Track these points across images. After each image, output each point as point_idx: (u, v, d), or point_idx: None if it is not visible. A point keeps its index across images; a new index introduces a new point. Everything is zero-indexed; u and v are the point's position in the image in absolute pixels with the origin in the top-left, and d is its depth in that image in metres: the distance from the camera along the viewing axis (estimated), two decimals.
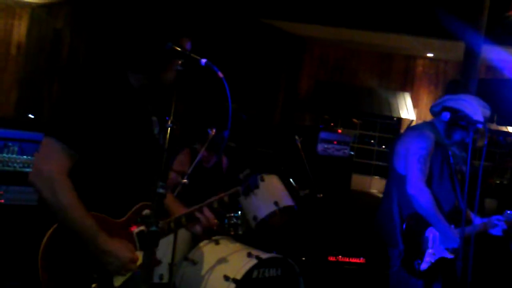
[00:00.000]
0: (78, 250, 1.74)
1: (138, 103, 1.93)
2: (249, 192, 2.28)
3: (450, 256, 2.90)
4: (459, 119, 2.87)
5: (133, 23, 1.89)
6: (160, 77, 1.91)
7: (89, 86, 1.80)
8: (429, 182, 2.91)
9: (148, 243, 1.55)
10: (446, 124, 2.95)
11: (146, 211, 1.90)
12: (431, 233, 2.89)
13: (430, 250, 2.88)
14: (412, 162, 2.86)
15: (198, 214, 2.02)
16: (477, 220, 3.10)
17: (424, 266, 2.86)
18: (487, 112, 2.94)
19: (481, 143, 3.17)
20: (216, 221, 2.11)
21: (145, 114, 1.96)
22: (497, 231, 3.02)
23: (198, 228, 2.05)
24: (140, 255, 1.85)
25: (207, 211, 2.05)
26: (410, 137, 2.98)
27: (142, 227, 1.88)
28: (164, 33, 1.84)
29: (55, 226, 1.73)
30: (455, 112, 2.87)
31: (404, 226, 2.90)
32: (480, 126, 2.80)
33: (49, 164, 1.71)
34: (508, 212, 3.04)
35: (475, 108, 2.88)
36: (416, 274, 2.86)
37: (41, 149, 1.76)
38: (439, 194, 2.93)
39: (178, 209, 2.07)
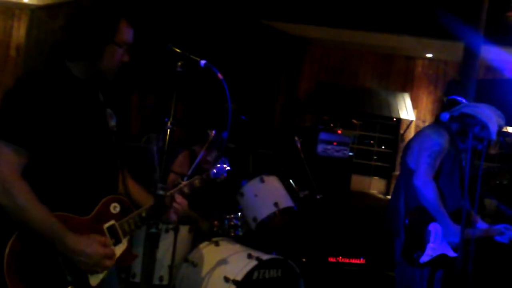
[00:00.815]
0: (46, 253, 1.66)
1: (87, 95, 1.85)
2: (219, 175, 2.26)
3: (452, 254, 2.96)
4: (471, 126, 2.96)
5: (75, 10, 1.82)
6: (97, 65, 1.82)
7: (30, 83, 1.73)
8: (436, 178, 2.99)
9: (149, 245, 1.54)
10: (460, 128, 3.06)
11: (114, 205, 1.83)
12: (433, 228, 2.96)
13: (431, 244, 2.94)
14: (423, 156, 2.98)
15: (168, 201, 1.95)
16: (482, 225, 3.15)
17: (424, 258, 2.92)
18: (502, 122, 3.03)
19: (493, 151, 3.25)
20: (185, 203, 2.03)
21: (98, 106, 1.89)
22: (504, 239, 3.08)
23: (173, 216, 1.98)
24: (116, 250, 1.79)
25: (178, 197, 2.00)
26: (425, 133, 3.10)
27: (112, 222, 1.82)
28: (98, 14, 1.78)
29: (15, 235, 1.63)
30: (471, 119, 2.97)
31: (407, 218, 2.97)
32: (493, 137, 2.91)
33: (0, 166, 1.62)
34: None
35: (490, 117, 2.97)
36: (415, 265, 2.92)
37: None
38: (445, 191, 3.00)
39: (147, 200, 1.96)
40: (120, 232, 1.83)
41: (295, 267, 3.23)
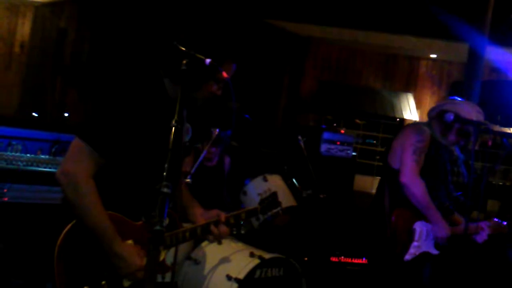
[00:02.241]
0: (93, 247, 1.80)
1: (173, 111, 1.91)
2: (266, 212, 2.33)
3: (434, 252, 2.98)
4: (464, 123, 2.97)
5: (183, 37, 1.88)
6: (194, 94, 1.92)
7: (128, 94, 1.82)
8: (422, 175, 2.99)
9: (153, 242, 1.56)
10: (443, 125, 3.05)
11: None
12: (418, 227, 2.95)
13: (415, 243, 2.93)
14: (408, 153, 2.98)
15: (213, 228, 2.09)
16: (463, 224, 3.16)
17: (407, 257, 2.91)
18: (481, 118, 3.05)
19: (472, 145, 3.22)
20: (228, 232, 2.17)
21: (179, 122, 1.96)
22: (479, 238, 3.09)
23: (210, 238, 2.14)
24: None
25: (222, 226, 2.12)
26: (407, 131, 3.11)
27: None
28: (212, 54, 1.83)
29: (73, 223, 1.79)
30: (451, 114, 2.98)
31: (393, 217, 2.96)
32: (471, 128, 2.92)
33: (76, 166, 1.77)
34: (495, 220, 3.11)
35: (469, 113, 3.01)
36: (398, 263, 2.93)
37: (71, 150, 1.80)
38: (427, 188, 2.99)
39: (196, 216, 2.13)
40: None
41: (297, 266, 3.24)
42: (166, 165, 1.72)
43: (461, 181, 3.87)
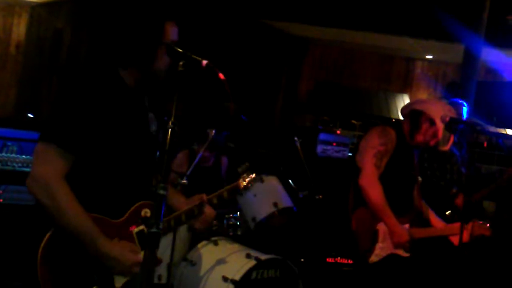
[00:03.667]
0: (78, 252, 1.73)
1: (134, 101, 1.91)
2: (250, 187, 2.28)
3: (404, 254, 2.93)
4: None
5: (118, 16, 1.87)
6: (152, 68, 1.88)
7: (82, 89, 1.78)
8: (383, 178, 2.95)
9: (149, 244, 1.55)
10: (410, 125, 3.01)
11: (145, 211, 1.89)
12: (381, 227, 2.92)
13: (379, 244, 2.91)
14: (368, 156, 2.95)
15: (197, 211, 2.02)
16: (439, 224, 3.15)
17: (373, 259, 2.88)
18: (452, 116, 3.00)
19: (443, 147, 3.23)
20: (214, 213, 2.10)
21: (142, 112, 1.95)
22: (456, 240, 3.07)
23: (198, 224, 2.07)
24: (142, 254, 1.84)
25: (207, 207, 2.06)
26: (372, 133, 3.07)
27: (141, 227, 1.88)
28: (147, 19, 1.83)
29: (51, 231, 1.71)
30: (419, 114, 2.97)
31: (353, 219, 2.96)
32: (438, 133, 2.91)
33: (44, 169, 1.69)
34: (478, 221, 3.06)
35: (438, 112, 2.97)
36: (365, 265, 2.90)
37: (37, 154, 1.74)
38: (390, 190, 2.96)
39: (179, 203, 2.06)
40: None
41: (293, 267, 3.24)
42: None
43: (456, 178, 3.89)
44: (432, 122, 2.95)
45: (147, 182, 1.98)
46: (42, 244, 1.69)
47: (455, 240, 3.07)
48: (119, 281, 1.82)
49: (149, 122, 1.97)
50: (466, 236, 2.93)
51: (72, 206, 1.70)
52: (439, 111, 2.97)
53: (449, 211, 3.60)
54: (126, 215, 1.86)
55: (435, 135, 2.98)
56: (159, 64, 1.88)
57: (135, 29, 1.83)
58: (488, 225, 3.03)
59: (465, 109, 3.96)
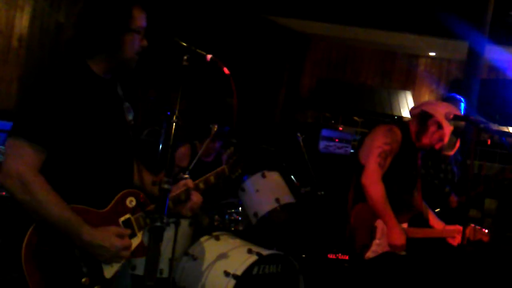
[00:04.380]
0: (63, 245, 1.70)
1: (105, 91, 1.86)
2: (235, 170, 2.25)
3: (400, 252, 2.91)
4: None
5: (84, 4, 1.82)
6: (120, 56, 1.83)
7: (48, 81, 1.74)
8: (386, 178, 2.94)
9: (154, 238, 1.54)
10: (418, 127, 3.01)
11: (130, 199, 1.86)
12: (380, 224, 2.92)
13: (377, 240, 2.91)
14: (372, 154, 2.92)
15: (184, 197, 2.00)
16: (438, 225, 3.14)
17: (370, 255, 2.88)
18: (453, 113, 2.98)
19: (448, 151, 3.23)
20: (200, 199, 2.07)
21: (116, 101, 1.91)
22: (454, 242, 3.07)
23: (185, 211, 2.03)
24: (132, 242, 1.83)
25: (194, 193, 2.03)
26: (378, 131, 3.04)
27: (128, 215, 1.86)
28: (112, 4, 1.78)
29: (32, 227, 1.67)
30: (428, 116, 2.95)
31: (351, 216, 2.96)
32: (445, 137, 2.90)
33: (18, 163, 1.65)
34: (475, 226, 3.06)
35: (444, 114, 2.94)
36: (360, 261, 2.89)
37: (7, 150, 1.69)
38: (391, 189, 2.95)
39: None
40: (135, 225, 1.86)
41: (295, 263, 3.24)
42: (167, 161, 1.69)
43: (450, 178, 3.90)
44: (440, 126, 2.93)
45: (129, 170, 1.95)
46: (25, 241, 1.65)
47: (453, 242, 3.07)
48: (109, 272, 1.79)
49: (124, 111, 1.93)
50: (460, 238, 2.93)
51: (50, 198, 1.66)
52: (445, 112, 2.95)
53: (439, 209, 3.62)
54: (111, 204, 1.82)
55: (441, 138, 2.96)
56: (127, 51, 1.82)
57: (99, 15, 1.77)
58: (486, 231, 3.04)
59: (462, 105, 3.96)
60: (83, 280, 1.72)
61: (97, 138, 1.80)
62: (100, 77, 1.85)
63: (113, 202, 1.83)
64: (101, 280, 1.76)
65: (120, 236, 1.77)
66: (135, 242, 1.85)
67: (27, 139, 1.66)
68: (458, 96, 4.06)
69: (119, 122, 1.89)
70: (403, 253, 2.91)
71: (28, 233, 1.66)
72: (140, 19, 1.83)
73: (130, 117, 1.94)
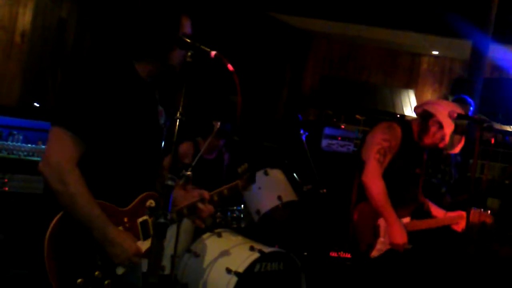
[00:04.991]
0: (84, 236, 1.76)
1: (146, 93, 1.93)
2: (247, 186, 2.33)
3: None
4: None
5: (132, 10, 1.89)
6: (167, 62, 1.90)
7: (97, 76, 1.79)
8: (388, 175, 2.94)
9: (157, 234, 1.55)
10: (419, 126, 3.00)
11: (150, 202, 1.91)
12: (383, 222, 2.92)
13: (381, 239, 2.90)
14: (372, 151, 2.94)
15: (199, 206, 2.05)
16: (440, 213, 3.15)
17: (375, 253, 2.88)
18: (456, 112, 2.97)
19: (452, 150, 3.22)
20: (212, 210, 2.13)
21: (152, 104, 1.97)
22: (458, 227, 3.07)
23: (198, 221, 2.11)
24: (142, 245, 1.87)
25: (207, 205, 2.08)
26: (378, 128, 3.06)
27: (145, 217, 1.90)
28: (165, 13, 1.84)
29: (61, 213, 1.74)
30: (429, 116, 2.95)
31: (355, 215, 2.95)
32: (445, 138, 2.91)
33: (58, 154, 1.71)
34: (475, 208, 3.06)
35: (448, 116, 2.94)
36: (365, 260, 2.89)
37: (51, 139, 1.76)
38: (392, 185, 2.95)
39: (181, 198, 2.08)
40: (151, 228, 1.91)
41: (296, 260, 3.24)
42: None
43: (447, 179, 3.90)
44: (441, 126, 2.93)
45: (154, 173, 2.00)
46: (51, 226, 1.71)
47: (457, 228, 3.07)
48: (121, 269, 1.84)
49: (158, 114, 1.99)
50: (464, 223, 2.93)
51: (82, 193, 1.72)
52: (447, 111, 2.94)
53: None
54: (132, 204, 1.88)
55: (443, 138, 2.96)
56: (174, 58, 1.90)
57: (152, 22, 1.84)
58: (489, 211, 3.03)
59: (471, 108, 3.95)
60: (96, 273, 1.77)
61: (131, 138, 1.86)
62: (143, 80, 1.91)
63: (134, 202, 1.89)
64: (112, 275, 1.81)
65: (136, 241, 1.83)
66: (149, 243, 1.88)
67: (71, 132, 1.72)
68: (469, 99, 4.04)
69: (152, 125, 1.96)
70: (408, 247, 2.91)
71: (54, 220, 1.72)
72: (187, 27, 1.90)
73: (162, 120, 2.00)
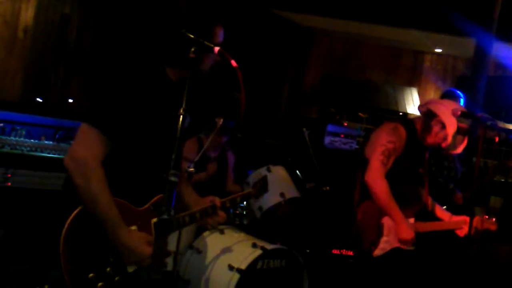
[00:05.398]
0: (99, 234, 1.79)
1: (175, 96, 1.95)
2: (259, 195, 2.39)
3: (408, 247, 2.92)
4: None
5: (171, 20, 1.92)
6: (199, 69, 1.94)
7: (130, 80, 1.84)
8: (390, 173, 2.95)
9: (160, 231, 1.56)
10: (422, 125, 3.00)
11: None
12: (386, 221, 2.92)
13: (384, 238, 2.90)
14: (376, 152, 2.95)
15: (211, 211, 2.11)
16: (445, 216, 3.15)
17: (378, 252, 2.88)
18: (460, 110, 2.97)
19: (454, 150, 3.21)
20: (225, 217, 2.20)
21: (178, 107, 1.99)
22: (461, 232, 3.07)
23: (210, 225, 2.17)
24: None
25: (219, 211, 2.15)
26: (383, 128, 3.07)
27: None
28: (199, 25, 1.88)
29: (79, 208, 1.77)
30: (432, 115, 2.95)
31: (358, 214, 2.97)
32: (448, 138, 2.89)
33: (85, 150, 1.75)
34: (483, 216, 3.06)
35: (451, 116, 2.94)
36: (368, 259, 2.90)
37: (79, 135, 1.80)
38: (396, 185, 2.95)
39: (194, 203, 2.15)
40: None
41: (299, 258, 3.24)
42: (173, 153, 1.73)
43: (453, 175, 3.89)
44: (443, 125, 2.93)
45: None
46: (68, 222, 1.75)
47: (460, 233, 3.08)
48: (132, 267, 1.87)
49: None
50: (467, 229, 2.92)
51: (104, 192, 1.76)
52: (450, 116, 2.94)
53: (445, 207, 3.62)
54: (148, 204, 1.92)
55: (445, 138, 2.96)
56: (205, 65, 1.96)
57: (185, 32, 1.85)
58: (494, 219, 3.03)
59: (462, 101, 3.94)
60: (108, 269, 1.80)
61: (154, 141, 1.90)
62: (173, 83, 1.96)
63: (150, 202, 1.93)
64: (123, 272, 1.84)
65: (150, 243, 1.84)
66: None
67: (102, 131, 1.76)
68: (457, 92, 4.03)
69: (174, 127, 1.96)
70: (411, 247, 2.92)
71: (72, 216, 1.75)
72: (219, 36, 1.95)
73: (185, 124, 2.01)
